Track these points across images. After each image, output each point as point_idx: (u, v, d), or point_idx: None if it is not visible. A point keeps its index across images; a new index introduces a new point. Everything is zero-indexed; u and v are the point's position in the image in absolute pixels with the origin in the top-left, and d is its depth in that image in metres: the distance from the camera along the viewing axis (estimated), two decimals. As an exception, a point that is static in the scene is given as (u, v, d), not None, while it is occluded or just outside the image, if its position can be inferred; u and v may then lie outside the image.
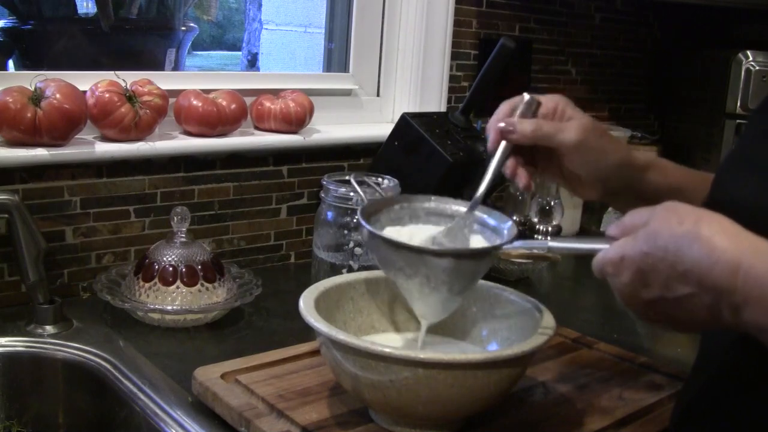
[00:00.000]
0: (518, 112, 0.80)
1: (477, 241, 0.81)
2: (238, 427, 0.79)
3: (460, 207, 0.83)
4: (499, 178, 0.81)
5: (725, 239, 0.59)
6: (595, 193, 0.83)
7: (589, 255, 0.68)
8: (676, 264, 0.60)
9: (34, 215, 1.07)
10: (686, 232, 0.60)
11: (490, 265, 0.79)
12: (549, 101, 0.82)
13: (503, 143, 0.80)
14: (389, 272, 0.78)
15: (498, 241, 0.78)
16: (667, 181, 0.84)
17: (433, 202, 0.84)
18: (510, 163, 0.80)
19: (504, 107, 0.81)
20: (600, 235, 1.75)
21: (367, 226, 0.76)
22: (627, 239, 0.64)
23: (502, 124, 0.79)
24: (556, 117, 0.81)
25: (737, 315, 0.59)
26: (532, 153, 0.82)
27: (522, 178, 0.81)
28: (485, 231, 0.81)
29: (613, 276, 0.65)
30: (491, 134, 0.80)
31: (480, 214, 0.82)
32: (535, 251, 0.77)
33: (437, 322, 0.82)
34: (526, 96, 0.81)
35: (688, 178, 0.85)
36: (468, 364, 0.72)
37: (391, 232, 0.79)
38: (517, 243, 0.75)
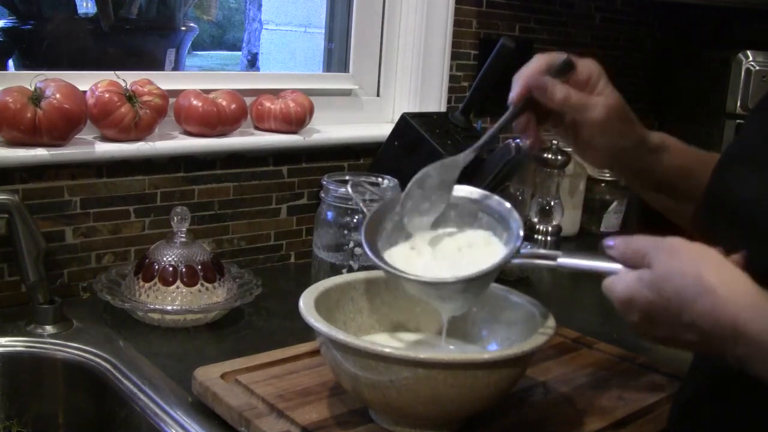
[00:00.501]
0: (553, 71, 0.78)
1: (482, 236, 0.81)
2: (238, 427, 0.79)
3: (461, 193, 0.82)
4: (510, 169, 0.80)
5: (726, 291, 0.59)
6: (603, 163, 0.84)
7: (596, 274, 0.69)
8: (681, 315, 0.61)
9: (34, 215, 1.07)
10: (689, 285, 0.60)
11: (498, 272, 0.79)
12: (584, 68, 0.80)
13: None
14: (401, 287, 0.80)
15: (505, 236, 0.78)
16: (676, 162, 0.84)
17: None
18: (523, 118, 0.80)
19: (538, 61, 0.79)
20: (601, 237, 1.75)
21: (376, 260, 0.76)
22: (633, 280, 0.64)
23: (533, 82, 0.77)
24: (588, 87, 0.80)
25: (742, 365, 0.60)
26: (547, 109, 0.81)
27: (531, 136, 0.80)
28: (490, 220, 0.81)
29: (622, 312, 0.66)
30: (518, 86, 0.78)
31: (492, 204, 0.81)
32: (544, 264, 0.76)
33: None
34: (564, 56, 0.79)
35: (697, 160, 0.85)
36: (468, 364, 0.72)
37: (401, 261, 0.78)
38: (526, 252, 0.75)
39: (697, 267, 0.61)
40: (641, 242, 0.66)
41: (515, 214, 0.79)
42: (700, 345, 0.62)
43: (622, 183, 1.69)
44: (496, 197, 0.82)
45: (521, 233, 0.77)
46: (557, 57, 0.79)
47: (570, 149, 0.86)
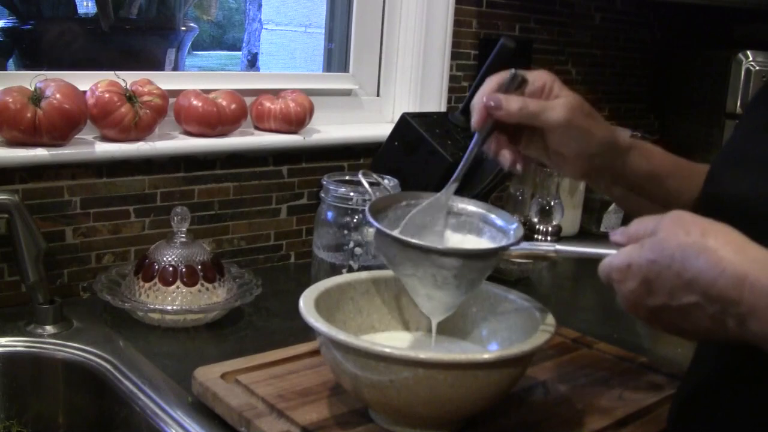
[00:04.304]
0: (504, 88, 0.79)
1: (475, 241, 0.81)
2: (238, 427, 0.79)
3: (466, 205, 0.83)
4: (493, 167, 0.81)
5: (731, 251, 0.59)
6: (578, 171, 0.82)
7: (595, 259, 0.69)
8: (682, 273, 0.60)
9: (34, 215, 1.07)
10: (693, 243, 0.60)
11: (496, 265, 0.79)
12: (536, 79, 0.80)
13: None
14: (395, 270, 0.79)
15: (504, 242, 0.78)
16: (650, 166, 0.84)
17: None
18: (492, 143, 0.80)
19: (489, 83, 0.79)
20: (602, 237, 1.76)
21: (375, 224, 0.76)
22: (634, 247, 0.64)
23: (488, 102, 0.77)
24: (544, 95, 0.80)
25: (742, 325, 0.59)
26: (516, 129, 0.81)
27: (506, 157, 0.80)
28: (491, 230, 0.81)
29: (618, 282, 0.65)
30: (476, 111, 0.79)
31: (488, 213, 0.82)
32: (542, 249, 0.76)
33: (442, 319, 0.82)
34: (512, 71, 0.79)
35: (674, 166, 0.85)
36: (468, 364, 0.72)
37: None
38: (524, 244, 0.76)
39: (703, 228, 0.61)
40: (647, 220, 0.66)
41: (515, 221, 0.80)
42: (697, 309, 0.60)
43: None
44: (496, 209, 0.82)
45: (521, 230, 0.78)
46: (506, 73, 0.79)
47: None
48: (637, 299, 0.64)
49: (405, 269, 0.77)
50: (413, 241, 0.75)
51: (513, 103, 0.77)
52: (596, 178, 0.85)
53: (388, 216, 0.81)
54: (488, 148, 0.80)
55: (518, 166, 0.80)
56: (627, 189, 0.85)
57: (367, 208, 0.78)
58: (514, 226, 0.79)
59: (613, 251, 0.66)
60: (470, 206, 0.83)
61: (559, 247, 0.74)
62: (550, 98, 0.80)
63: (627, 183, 0.84)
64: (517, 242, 0.76)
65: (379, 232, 0.76)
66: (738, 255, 0.59)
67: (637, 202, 0.87)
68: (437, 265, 0.74)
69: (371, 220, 0.76)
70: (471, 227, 0.83)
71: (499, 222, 0.81)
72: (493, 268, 0.79)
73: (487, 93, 0.79)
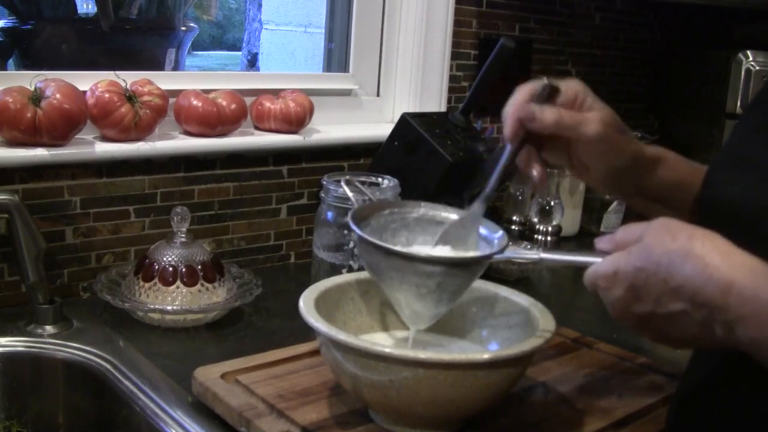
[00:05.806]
0: (536, 98, 0.77)
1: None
2: (238, 427, 0.79)
3: (450, 214, 0.83)
4: (507, 172, 0.80)
5: (718, 257, 0.59)
6: (600, 182, 0.82)
7: (581, 267, 0.68)
8: (669, 280, 0.60)
9: (34, 215, 1.08)
10: (679, 249, 0.60)
11: (479, 275, 0.78)
12: (568, 89, 0.79)
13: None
14: (378, 278, 0.79)
15: (488, 251, 0.77)
16: (672, 176, 0.84)
17: (423, 209, 0.83)
18: (524, 154, 0.79)
19: (521, 94, 0.78)
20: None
21: (358, 231, 0.76)
22: (620, 254, 0.64)
23: (522, 114, 0.76)
24: (576, 106, 0.79)
25: (730, 331, 0.59)
26: (541, 136, 0.79)
27: (537, 171, 0.79)
28: (481, 244, 0.81)
29: (605, 290, 0.65)
30: (509, 122, 0.77)
31: (477, 225, 0.81)
32: (527, 257, 0.76)
33: (425, 328, 0.82)
34: (545, 80, 0.78)
35: (691, 172, 0.85)
36: (468, 364, 0.72)
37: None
38: (508, 253, 0.75)
39: (689, 234, 0.61)
40: (633, 227, 0.66)
41: (499, 230, 0.79)
42: (684, 316, 0.60)
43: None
44: (483, 220, 0.82)
45: (505, 239, 0.77)
46: (539, 84, 0.78)
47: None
48: (624, 306, 0.64)
49: (388, 278, 0.76)
50: (396, 248, 0.75)
51: (548, 115, 0.76)
52: (618, 189, 0.85)
53: (371, 224, 0.80)
54: (519, 161, 0.79)
55: (546, 181, 0.80)
56: (649, 199, 0.85)
57: (349, 216, 0.78)
58: (498, 234, 0.78)
59: (598, 259, 0.66)
60: (453, 215, 0.82)
61: (544, 255, 0.74)
62: (582, 110, 0.78)
63: (649, 194, 0.84)
64: (501, 251, 0.75)
65: (362, 239, 0.76)
66: (725, 261, 0.58)
67: (658, 211, 0.86)
68: (420, 273, 0.73)
69: (355, 228, 0.76)
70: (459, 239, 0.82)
71: (483, 231, 0.80)
72: (474, 279, 0.78)
73: (519, 103, 0.77)
